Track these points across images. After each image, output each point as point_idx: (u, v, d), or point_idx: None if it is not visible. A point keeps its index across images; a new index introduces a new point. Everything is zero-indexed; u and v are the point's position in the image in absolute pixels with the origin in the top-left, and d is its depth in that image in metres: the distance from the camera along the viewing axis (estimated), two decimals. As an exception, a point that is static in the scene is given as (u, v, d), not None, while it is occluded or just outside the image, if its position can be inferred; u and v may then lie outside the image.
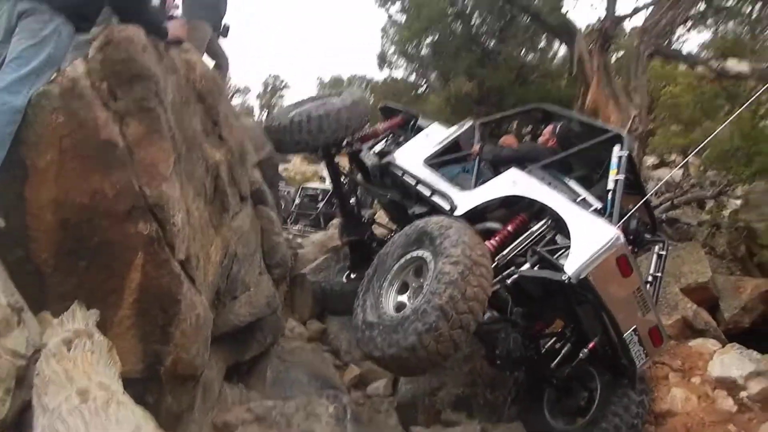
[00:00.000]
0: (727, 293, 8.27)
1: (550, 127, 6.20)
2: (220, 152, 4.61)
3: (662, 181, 7.78)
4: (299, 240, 9.71)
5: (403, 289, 4.74)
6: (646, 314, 4.84)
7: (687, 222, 9.81)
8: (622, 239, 4.68)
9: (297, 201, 18.95)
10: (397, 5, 18.31)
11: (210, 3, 6.52)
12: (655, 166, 14.59)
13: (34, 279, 3.22)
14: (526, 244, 5.04)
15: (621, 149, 5.38)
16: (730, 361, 6.58)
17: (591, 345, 4.98)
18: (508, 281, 4.87)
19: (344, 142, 6.92)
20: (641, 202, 5.46)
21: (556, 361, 5.26)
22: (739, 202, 10.48)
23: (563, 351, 5.27)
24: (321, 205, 18.30)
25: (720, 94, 9.47)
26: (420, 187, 6.00)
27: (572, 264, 4.60)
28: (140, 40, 3.42)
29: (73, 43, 3.50)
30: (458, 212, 5.50)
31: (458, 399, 6.11)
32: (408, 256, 4.78)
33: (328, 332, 7.31)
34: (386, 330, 4.32)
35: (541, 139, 6.26)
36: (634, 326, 4.80)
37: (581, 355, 5.00)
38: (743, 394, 6.27)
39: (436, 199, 5.79)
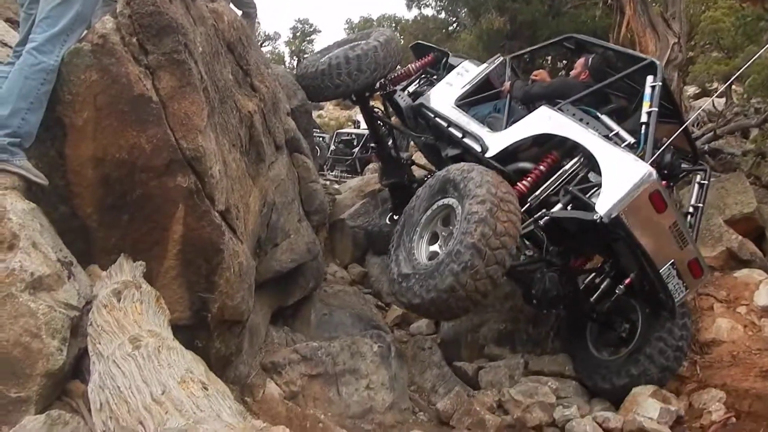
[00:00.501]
0: (774, 223, 8.11)
1: (582, 60, 6.03)
2: (253, 102, 4.62)
3: (699, 109, 7.52)
4: (336, 186, 9.75)
5: (433, 239, 4.81)
6: (685, 248, 4.78)
7: (731, 152, 9.53)
8: (655, 175, 4.61)
9: (332, 147, 18.97)
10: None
11: None
12: (697, 96, 14.14)
13: (80, 234, 3.33)
14: (559, 183, 5.01)
15: (654, 79, 5.22)
16: (777, 290, 6.53)
17: (627, 281, 4.98)
18: (541, 222, 4.88)
19: (378, 84, 6.88)
20: (675, 135, 5.33)
21: (595, 297, 5.24)
22: (784, 129, 10.16)
23: (602, 286, 5.25)
24: (356, 150, 18.31)
25: (763, 16, 9.03)
26: (451, 129, 5.97)
27: (603, 202, 4.57)
28: (166, -8, 3.41)
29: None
30: (489, 154, 5.48)
31: (501, 334, 6.17)
32: (435, 206, 4.85)
33: (370, 275, 7.41)
34: (423, 277, 4.40)
35: (573, 73, 6.11)
36: (672, 260, 4.76)
37: (618, 291, 5.00)
38: (789, 322, 6.24)
39: (467, 141, 5.77)
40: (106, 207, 3.37)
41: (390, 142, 7.60)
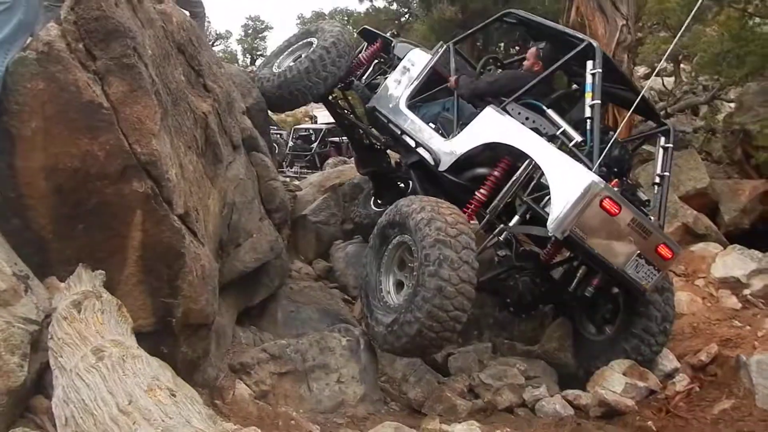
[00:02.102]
0: (726, 197, 8.36)
1: (533, 50, 5.91)
2: (207, 102, 4.57)
3: (646, 87, 7.63)
4: (296, 182, 9.71)
5: (399, 285, 4.85)
6: (649, 236, 4.78)
7: (682, 129, 9.74)
8: (601, 183, 4.55)
9: (290, 144, 18.90)
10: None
11: None
12: (647, 76, 14.39)
13: (36, 246, 3.26)
14: (514, 190, 5.01)
15: (594, 65, 5.10)
16: (733, 262, 6.73)
17: (595, 281, 5.02)
18: (501, 237, 4.96)
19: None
20: (622, 125, 5.41)
21: (573, 285, 5.26)
22: (732, 105, 10.41)
23: (578, 274, 5.25)
24: (315, 145, 18.27)
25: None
26: (405, 138, 5.96)
27: (554, 219, 4.57)
28: (111, -5, 3.35)
29: (43, 5, 3.44)
30: (442, 167, 5.49)
31: (467, 320, 6.23)
32: (385, 258, 4.91)
33: (335, 269, 7.40)
34: (393, 324, 4.48)
35: (525, 64, 5.96)
36: (637, 252, 4.77)
37: (587, 293, 5.06)
38: (746, 291, 6.46)
39: (420, 151, 5.77)
40: (61, 217, 3.30)
41: (360, 132, 7.58)
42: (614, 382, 4.87)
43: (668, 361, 5.21)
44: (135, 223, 3.39)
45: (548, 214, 4.64)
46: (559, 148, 4.97)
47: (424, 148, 5.71)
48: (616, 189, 4.76)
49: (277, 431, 3.91)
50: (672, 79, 13.42)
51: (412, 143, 5.86)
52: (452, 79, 5.92)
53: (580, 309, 5.60)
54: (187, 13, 5.17)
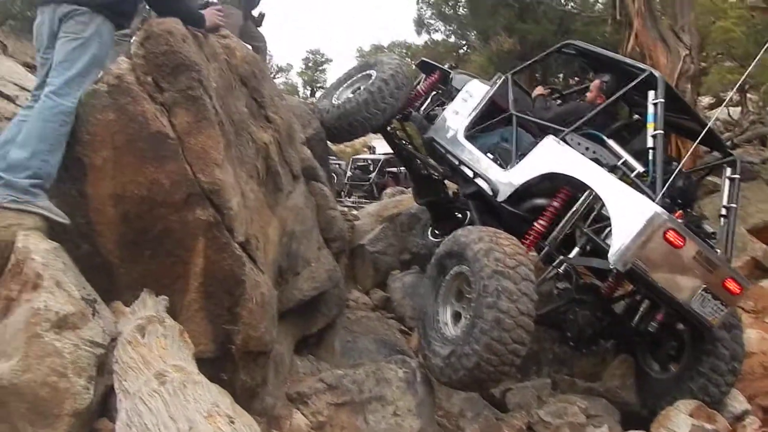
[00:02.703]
0: (797, 230, 8.01)
1: (596, 83, 5.86)
2: (268, 133, 4.66)
3: (714, 118, 7.42)
4: (354, 212, 9.77)
5: (456, 316, 4.75)
6: (715, 270, 4.59)
7: (749, 161, 9.43)
8: (664, 214, 4.41)
9: (349, 173, 19.08)
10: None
11: None
12: (711, 106, 14.04)
13: (103, 271, 3.36)
14: (574, 221, 4.89)
15: (656, 95, 4.97)
16: (805, 298, 6.41)
17: (659, 317, 4.84)
18: (560, 269, 4.83)
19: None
20: (689, 152, 5.25)
21: (636, 320, 5.07)
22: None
23: (641, 308, 5.06)
24: (373, 175, 18.39)
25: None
26: (463, 168, 5.92)
27: (616, 250, 4.45)
28: (179, 31, 3.47)
29: (114, 40, 3.59)
30: (501, 198, 5.40)
31: (526, 355, 6.10)
32: (442, 290, 4.82)
33: (392, 300, 7.37)
34: (451, 356, 4.39)
35: (588, 96, 5.91)
36: (703, 286, 4.58)
37: (650, 329, 4.88)
38: (820, 330, 6.12)
39: (478, 182, 5.70)
40: (127, 243, 3.40)
41: (418, 162, 7.61)
42: (680, 423, 4.65)
43: (738, 402, 4.97)
44: (197, 250, 3.46)
45: (609, 246, 4.52)
46: (620, 178, 4.85)
47: (482, 178, 5.66)
48: (680, 221, 4.60)
49: (334, 462, 3.88)
50: (738, 109, 13.05)
51: (470, 173, 5.81)
52: (511, 107, 5.86)
53: (643, 345, 5.39)
54: (250, 47, 5.31)
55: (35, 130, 3.21)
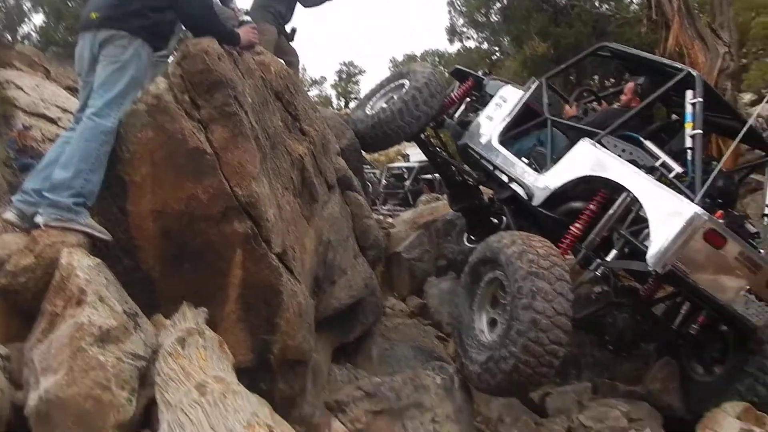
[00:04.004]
0: None
1: (630, 85, 5.82)
2: (303, 145, 4.73)
3: (755, 115, 7.26)
4: (390, 220, 9.82)
5: (492, 323, 4.75)
6: (759, 271, 4.51)
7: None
8: (704, 215, 4.34)
9: (383, 182, 19.14)
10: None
11: (276, 10, 6.73)
12: (753, 103, 13.73)
13: (144, 285, 3.46)
14: (611, 223, 4.86)
15: (694, 95, 4.92)
16: None
17: (701, 319, 4.80)
18: (598, 272, 4.79)
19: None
20: (728, 153, 5.16)
21: (677, 322, 5.05)
22: None
23: (682, 310, 5.05)
24: (407, 183, 18.41)
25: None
26: (497, 173, 5.92)
27: (655, 252, 4.39)
28: (215, 50, 3.55)
29: (153, 61, 3.69)
30: (536, 202, 5.39)
31: (566, 359, 5.99)
32: (478, 296, 4.83)
33: (429, 306, 7.40)
34: (488, 361, 4.39)
35: (623, 99, 5.88)
36: (746, 287, 4.51)
37: (692, 331, 4.83)
38: None
39: (513, 186, 5.70)
40: (168, 257, 3.50)
41: (453, 169, 7.63)
42: (728, 426, 4.55)
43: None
44: (236, 262, 3.54)
45: (648, 248, 4.46)
46: (659, 179, 4.81)
47: (517, 183, 5.65)
48: (721, 221, 4.53)
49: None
50: (781, 105, 12.73)
51: (505, 178, 5.81)
52: (546, 113, 5.85)
53: (686, 348, 5.32)
54: (283, 61, 5.40)
55: (77, 151, 3.33)
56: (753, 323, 4.61)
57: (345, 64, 46.56)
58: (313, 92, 40.74)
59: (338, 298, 5.11)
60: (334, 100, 44.22)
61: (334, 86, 46.39)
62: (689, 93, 4.98)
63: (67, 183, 3.29)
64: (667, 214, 4.48)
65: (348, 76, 46.36)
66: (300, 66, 6.70)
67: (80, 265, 3.03)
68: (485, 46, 21.10)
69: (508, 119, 6.14)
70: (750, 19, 12.18)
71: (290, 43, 6.91)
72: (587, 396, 5.50)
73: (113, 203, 3.46)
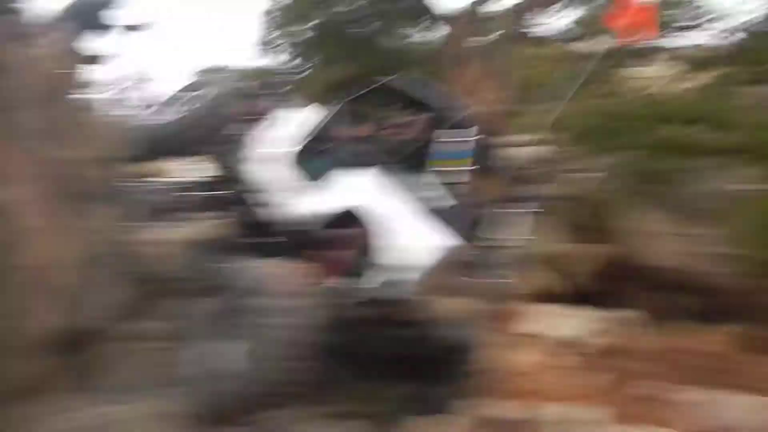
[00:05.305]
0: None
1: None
2: (77, 151, 4.50)
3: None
4: (166, 236, 9.42)
5: None
6: None
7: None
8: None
9: (166, 196, 18.38)
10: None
11: None
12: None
13: None
14: (368, 250, 5.09)
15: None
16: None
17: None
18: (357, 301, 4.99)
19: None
20: None
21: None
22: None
23: None
24: (192, 196, 17.85)
25: (574, 74, 9.89)
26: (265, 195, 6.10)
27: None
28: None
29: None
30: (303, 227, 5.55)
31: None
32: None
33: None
34: None
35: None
36: None
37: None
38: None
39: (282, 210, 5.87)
40: None
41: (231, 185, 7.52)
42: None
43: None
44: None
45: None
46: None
47: (285, 206, 5.83)
48: None
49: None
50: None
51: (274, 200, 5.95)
52: None
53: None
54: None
55: None
56: None
57: (135, 71, 44.14)
58: (96, 96, 38.02)
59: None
60: (118, 107, 41.63)
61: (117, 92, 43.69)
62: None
63: None
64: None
65: (137, 82, 43.99)
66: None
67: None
68: (297, 62, 20.81)
69: (290, 141, 6.19)
70: (529, 68, 13.25)
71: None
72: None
73: None
